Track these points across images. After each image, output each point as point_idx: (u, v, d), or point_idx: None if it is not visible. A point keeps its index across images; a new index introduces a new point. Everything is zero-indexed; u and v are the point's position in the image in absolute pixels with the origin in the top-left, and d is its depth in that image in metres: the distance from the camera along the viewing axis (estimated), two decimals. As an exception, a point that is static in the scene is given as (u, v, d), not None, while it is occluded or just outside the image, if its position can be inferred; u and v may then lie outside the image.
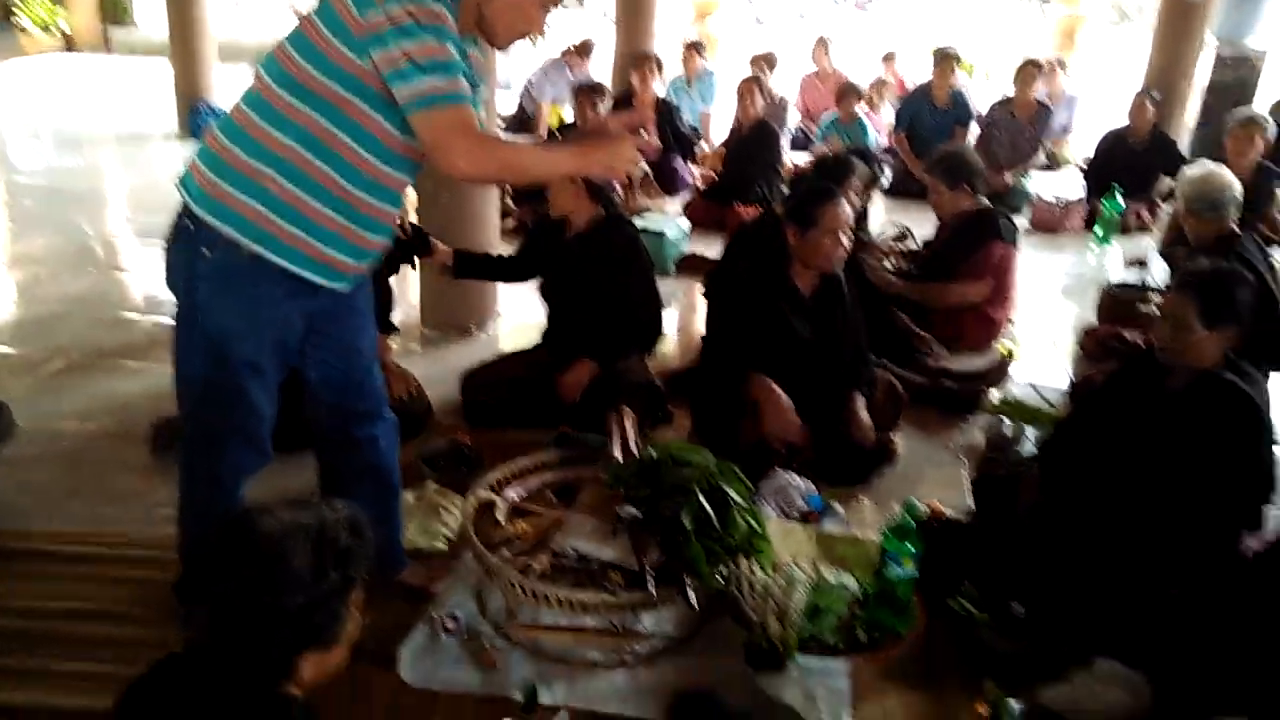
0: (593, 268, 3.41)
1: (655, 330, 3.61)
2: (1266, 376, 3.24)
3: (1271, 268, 3.78)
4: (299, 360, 2.17)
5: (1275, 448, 2.57)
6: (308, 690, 1.41)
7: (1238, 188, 3.70)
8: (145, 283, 4.87)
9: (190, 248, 1.95)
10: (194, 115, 7.95)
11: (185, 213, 1.96)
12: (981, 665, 2.30)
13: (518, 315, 4.29)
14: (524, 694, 2.04)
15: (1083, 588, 2.53)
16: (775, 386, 3.08)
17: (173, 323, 2.08)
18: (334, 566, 1.35)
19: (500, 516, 2.48)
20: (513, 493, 2.60)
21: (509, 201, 5.82)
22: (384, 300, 3.46)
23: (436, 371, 3.77)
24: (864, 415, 3.21)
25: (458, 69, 1.83)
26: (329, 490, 2.33)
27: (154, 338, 4.07)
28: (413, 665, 2.25)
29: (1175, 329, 2.49)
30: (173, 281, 2.03)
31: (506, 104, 7.77)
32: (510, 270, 3.71)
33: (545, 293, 3.60)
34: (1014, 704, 2.09)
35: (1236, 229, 3.69)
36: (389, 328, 3.50)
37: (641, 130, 2.13)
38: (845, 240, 3.14)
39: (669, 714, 1.11)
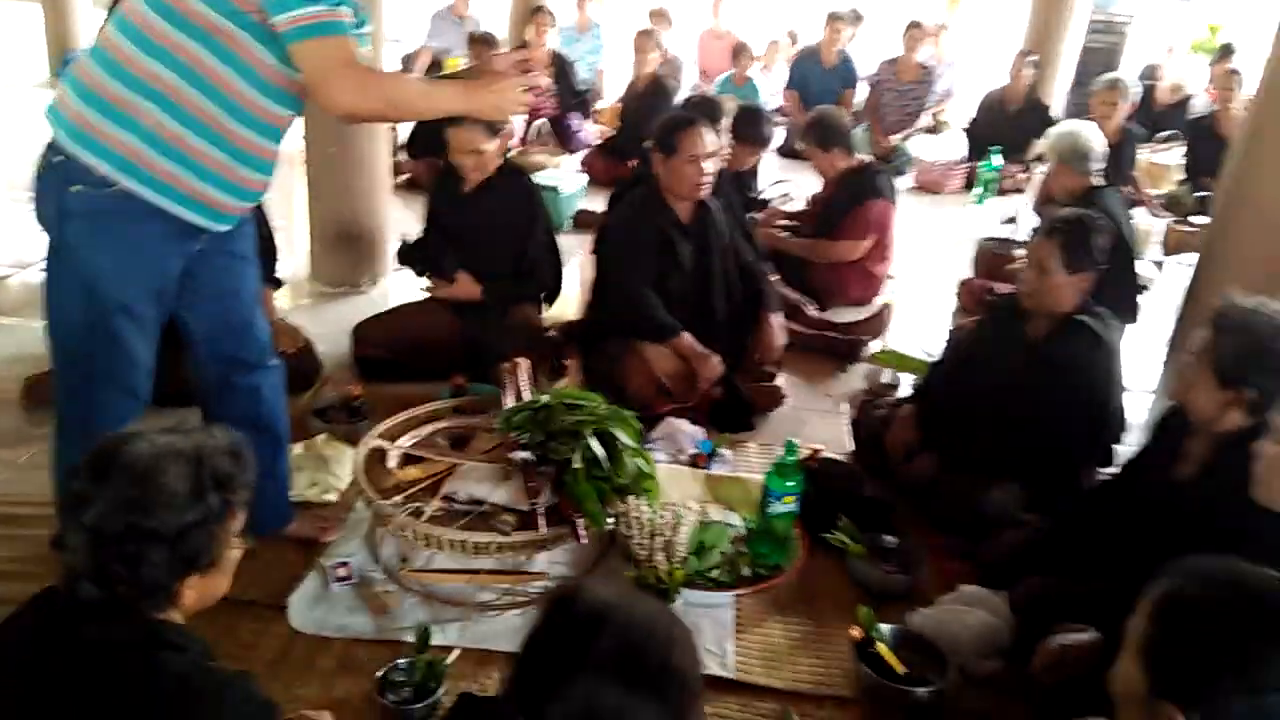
0: (492, 219, 3.41)
1: (556, 282, 3.64)
2: (1121, 328, 3.47)
3: (1130, 224, 4.02)
4: (177, 306, 2.11)
5: (1125, 392, 2.77)
6: (190, 617, 1.41)
7: (1102, 142, 3.92)
8: (14, 239, 4.63)
9: (59, 183, 1.87)
10: (66, 64, 7.52)
11: (53, 146, 1.89)
12: (856, 593, 2.44)
13: (407, 271, 4.24)
14: (417, 636, 2.07)
15: (950, 518, 2.70)
16: (694, 341, 3.16)
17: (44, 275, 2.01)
18: (213, 489, 1.34)
19: (392, 464, 2.49)
20: (405, 441, 2.60)
21: (401, 156, 5.73)
22: (268, 251, 3.37)
23: (328, 327, 3.72)
24: (778, 336, 3.32)
25: None
26: None
27: (24, 296, 3.90)
28: (303, 614, 2.25)
29: (1038, 273, 2.65)
30: (41, 214, 1.95)
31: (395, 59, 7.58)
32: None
33: (441, 245, 3.57)
34: (885, 628, 2.23)
35: (1099, 184, 3.92)
36: (274, 281, 3.43)
37: (534, 73, 2.11)
38: (708, 168, 3.20)
39: (544, 607, 1.16)
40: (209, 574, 1.40)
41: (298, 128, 4.20)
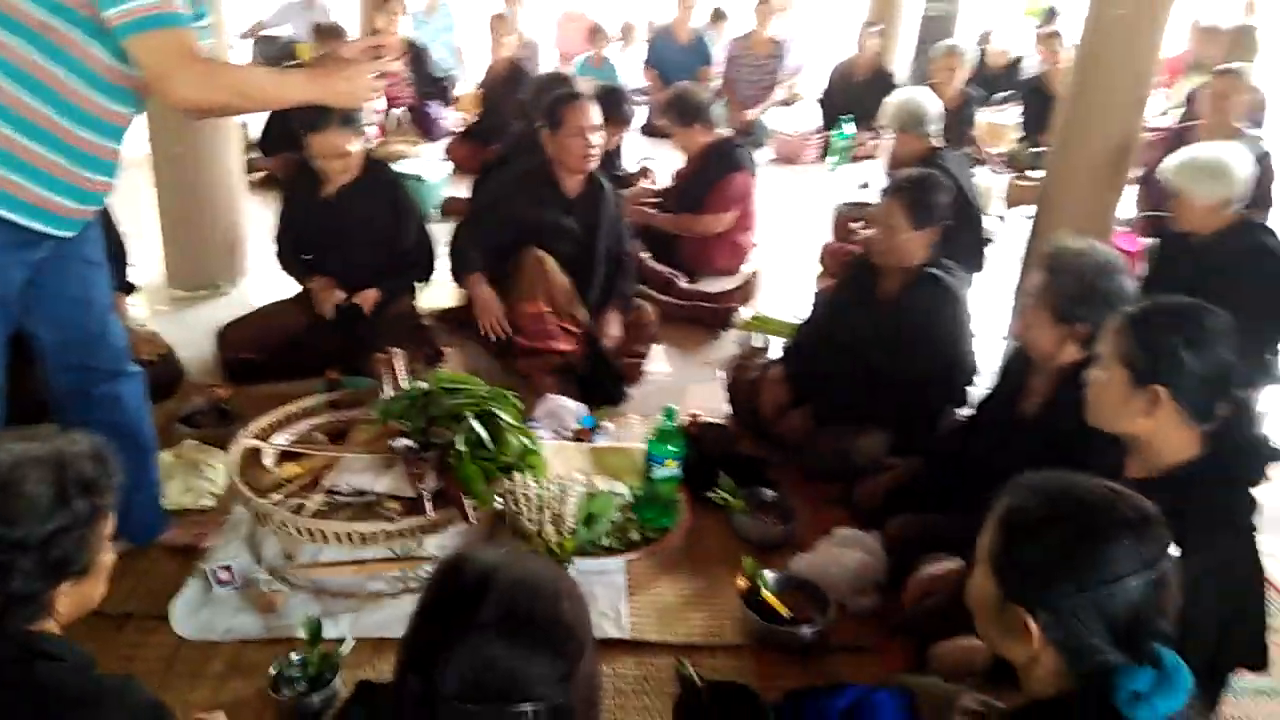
0: (360, 220, 3.34)
1: (429, 269, 3.61)
2: (968, 278, 3.69)
3: (971, 181, 4.26)
4: (23, 318, 2.02)
5: (974, 338, 2.95)
6: (66, 627, 1.38)
7: (936, 105, 4.15)
8: None
9: None
10: None
11: None
12: (741, 546, 2.54)
13: (267, 269, 4.12)
14: (308, 629, 2.05)
15: (822, 468, 2.83)
16: (483, 288, 3.28)
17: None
18: (78, 494, 1.30)
19: (268, 462, 2.44)
20: (280, 439, 2.56)
21: (255, 153, 5.54)
22: (119, 255, 3.23)
23: (189, 332, 3.60)
24: (615, 328, 3.43)
25: None
26: None
27: None
28: (186, 619, 2.20)
29: (886, 231, 2.79)
30: None
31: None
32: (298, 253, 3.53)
33: (303, 249, 3.48)
34: (769, 575, 2.33)
35: (939, 145, 4.14)
36: (127, 286, 3.29)
37: (386, 58, 2.08)
38: (594, 140, 3.27)
39: (431, 575, 1.18)
40: (82, 581, 1.37)
41: (141, 128, 4.08)
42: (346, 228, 3.36)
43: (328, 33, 5.66)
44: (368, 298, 3.34)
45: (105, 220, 3.18)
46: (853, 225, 4.46)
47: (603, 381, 3.33)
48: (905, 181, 2.85)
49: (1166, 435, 1.69)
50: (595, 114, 3.28)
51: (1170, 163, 3.12)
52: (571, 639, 1.10)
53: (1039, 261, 2.33)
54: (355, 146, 3.25)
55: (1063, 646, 1.18)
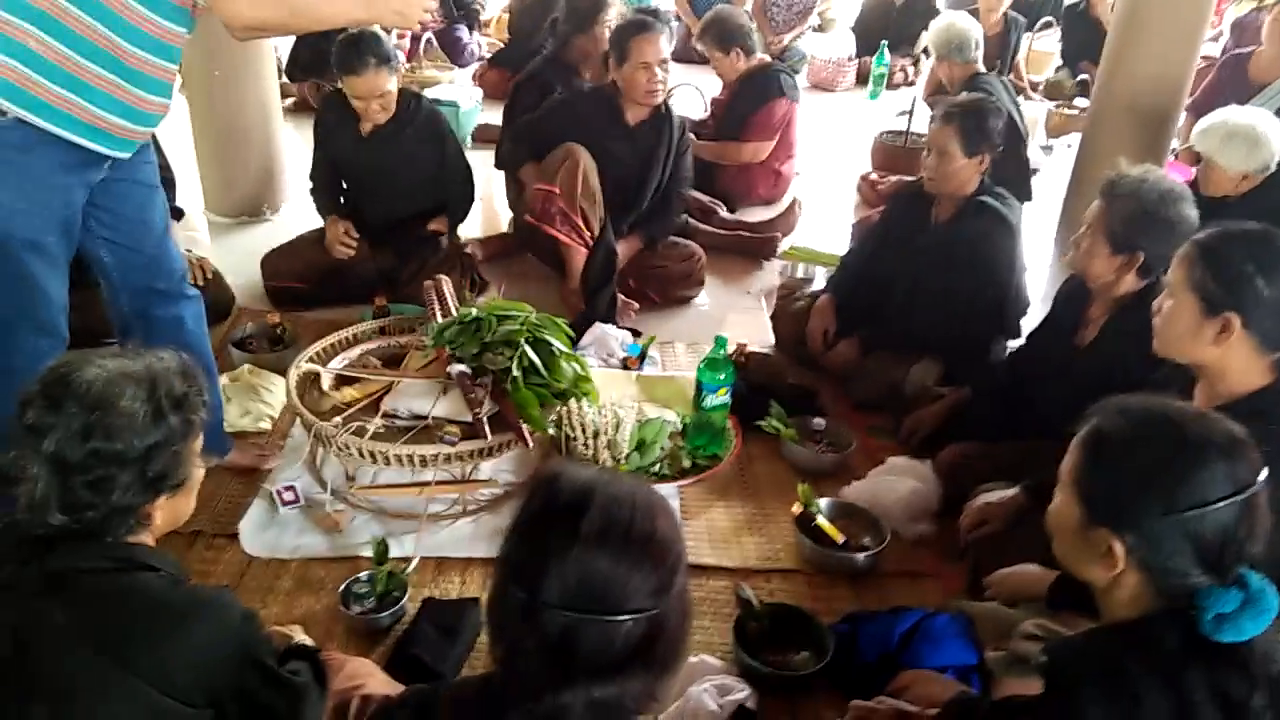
0: (402, 158, 3.30)
1: (469, 201, 3.59)
2: (1019, 207, 3.64)
3: (1017, 107, 4.19)
4: (85, 239, 2.05)
5: (1025, 269, 2.93)
6: (160, 538, 1.42)
7: (978, 29, 4.10)
8: None
9: None
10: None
11: None
12: (792, 474, 2.56)
13: (306, 196, 4.13)
14: (375, 548, 2.10)
15: (872, 397, 2.84)
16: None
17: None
18: (171, 409, 1.33)
19: (326, 386, 2.47)
20: (336, 364, 2.58)
21: (286, 79, 5.49)
22: (167, 181, 3.23)
23: (232, 257, 3.61)
24: (623, 254, 3.42)
25: None
26: None
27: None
28: (254, 538, 2.26)
29: (939, 157, 2.75)
30: None
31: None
32: (337, 190, 3.47)
33: (345, 183, 3.44)
34: (823, 502, 2.36)
35: (981, 70, 4.07)
36: (176, 211, 3.29)
37: None
38: (659, 75, 3.23)
39: (527, 492, 1.20)
40: (176, 495, 1.40)
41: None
42: (387, 166, 3.31)
43: None
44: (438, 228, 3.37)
45: (160, 151, 3.20)
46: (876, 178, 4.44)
47: (596, 296, 3.30)
48: (959, 107, 2.79)
49: (1237, 363, 1.68)
50: (664, 46, 3.23)
51: (1201, 127, 3.03)
52: (668, 553, 1.12)
53: (1098, 189, 2.29)
54: (393, 86, 3.16)
55: (1148, 569, 1.19)
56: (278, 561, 2.21)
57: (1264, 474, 1.18)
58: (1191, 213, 2.19)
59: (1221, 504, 1.15)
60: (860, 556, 2.22)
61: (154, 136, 3.21)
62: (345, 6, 1.98)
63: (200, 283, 3.14)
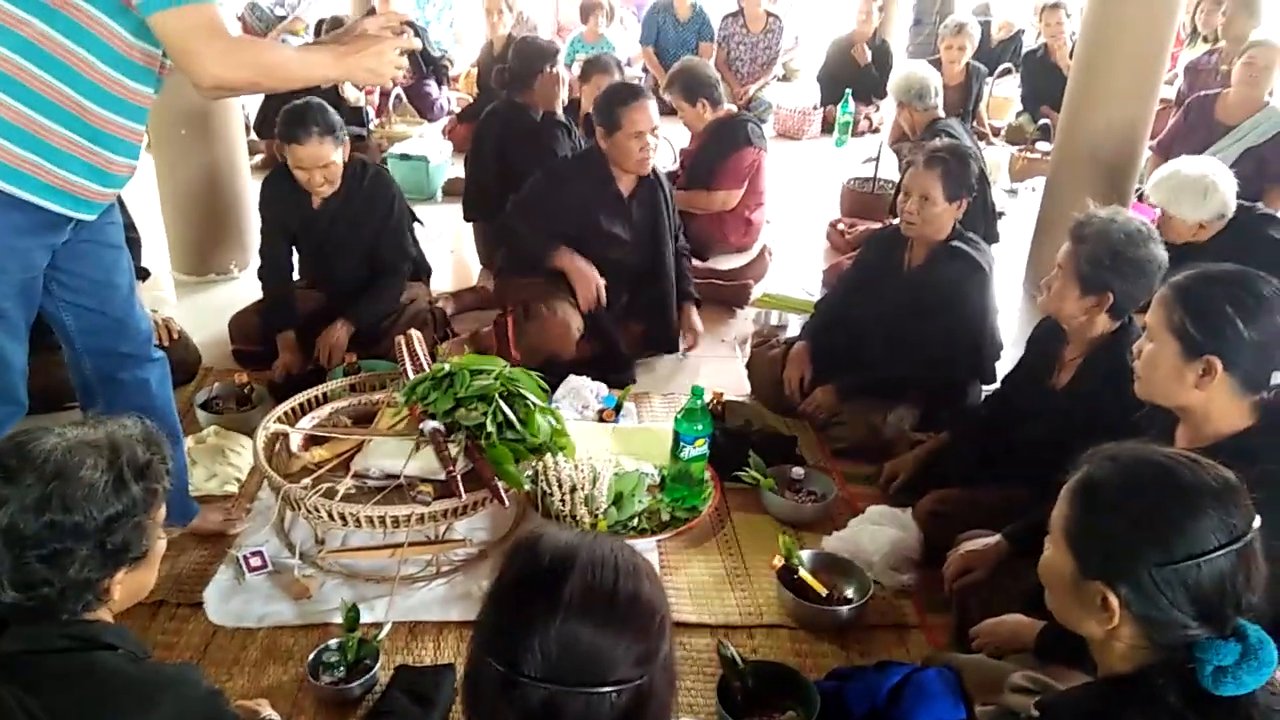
0: (349, 227, 3.20)
1: (422, 269, 3.54)
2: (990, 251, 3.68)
3: (979, 149, 4.27)
4: (50, 303, 2.00)
5: (998, 312, 2.94)
6: (118, 614, 1.36)
7: (936, 77, 4.22)
8: None
9: None
10: None
11: None
12: (772, 525, 2.53)
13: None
14: (345, 614, 2.02)
15: (850, 444, 2.82)
16: (577, 257, 3.23)
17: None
18: (134, 479, 1.28)
19: (295, 446, 2.41)
20: (305, 423, 2.53)
21: (254, 136, 5.48)
22: (132, 241, 3.18)
23: (200, 317, 3.55)
24: (699, 323, 3.52)
25: None
26: None
27: None
28: (220, 607, 2.18)
29: (921, 202, 2.76)
30: None
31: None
32: (287, 264, 3.32)
33: (290, 260, 3.32)
34: (804, 554, 2.32)
35: (940, 115, 4.17)
36: (142, 272, 3.24)
37: (406, 35, 2.04)
38: (652, 142, 3.20)
39: (505, 558, 1.16)
40: (137, 568, 1.34)
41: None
42: (340, 238, 3.21)
43: (332, 25, 5.49)
44: (335, 340, 3.11)
45: (125, 210, 3.15)
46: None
47: (611, 361, 3.29)
48: (942, 152, 2.81)
49: (1219, 405, 1.67)
50: (654, 113, 3.20)
51: (1154, 179, 3.07)
52: (654, 618, 1.08)
53: (1068, 231, 2.31)
54: (338, 157, 3.05)
55: (1144, 621, 1.16)
56: (244, 631, 2.12)
57: (1257, 521, 1.17)
58: (1160, 252, 2.20)
59: (1218, 553, 1.13)
60: (844, 610, 2.18)
61: (119, 196, 3.19)
62: (317, 66, 1.93)
63: (165, 343, 3.08)
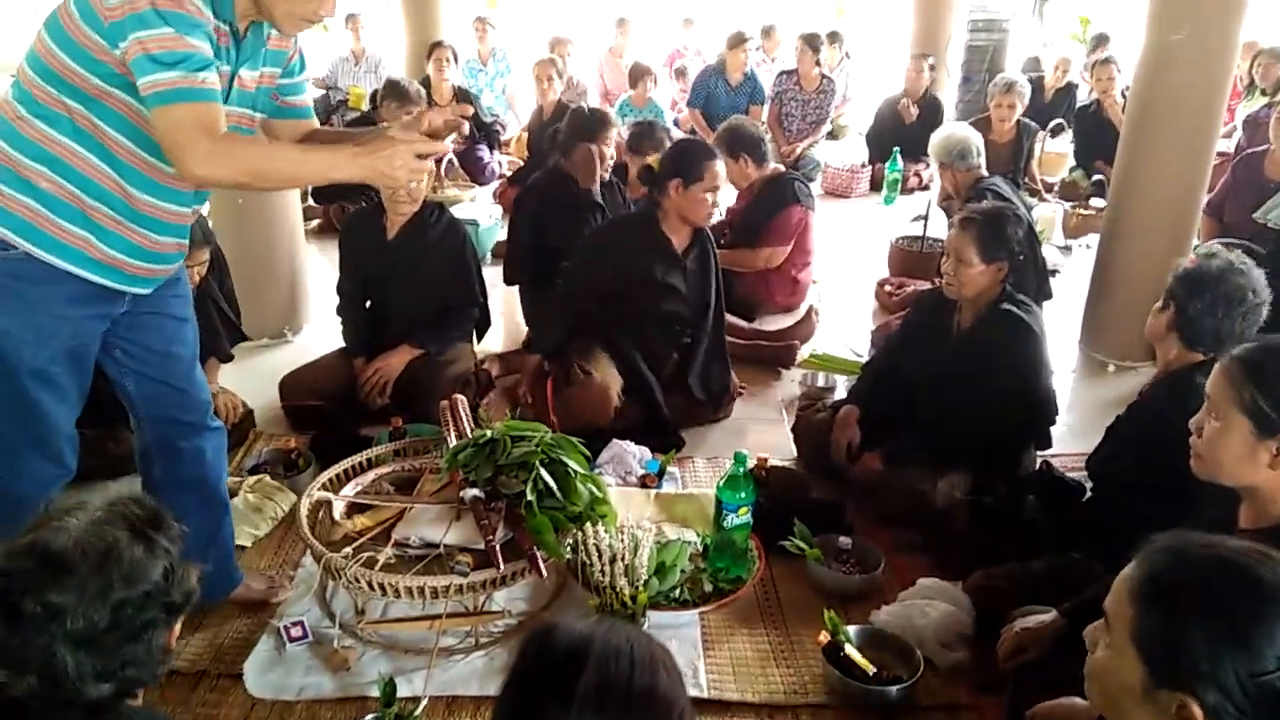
0: (422, 263, 3.37)
1: (486, 318, 3.62)
2: (1041, 311, 3.60)
3: (1023, 205, 4.22)
4: (114, 369, 2.06)
5: (1052, 374, 2.85)
6: (164, 682, 1.37)
7: (977, 137, 4.19)
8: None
9: None
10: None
11: None
12: (819, 597, 2.46)
13: (329, 317, 4.17)
14: (382, 690, 2.01)
15: (900, 512, 2.75)
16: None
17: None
18: (157, 534, 1.29)
19: (337, 514, 2.41)
20: (348, 490, 2.54)
21: (312, 201, 5.62)
22: (227, 324, 3.31)
23: (253, 380, 3.61)
24: (736, 379, 3.59)
25: (200, 62, 1.68)
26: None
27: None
28: (259, 678, 2.17)
29: (956, 263, 2.73)
30: None
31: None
32: (362, 300, 3.54)
33: (366, 293, 3.50)
34: (851, 629, 2.25)
35: (984, 174, 4.13)
36: (226, 356, 3.34)
37: (452, 134, 2.02)
38: (718, 200, 3.30)
39: (519, 650, 1.13)
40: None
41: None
42: (408, 270, 3.37)
43: (399, 95, 5.38)
44: (391, 362, 3.33)
45: (230, 295, 3.32)
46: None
47: (657, 428, 3.28)
48: (976, 214, 2.78)
49: None
50: (724, 172, 3.35)
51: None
52: (671, 712, 1.05)
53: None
54: (425, 179, 3.19)
55: None
56: (283, 704, 2.11)
57: None
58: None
59: None
60: (894, 690, 2.10)
61: (224, 280, 3.32)
62: (322, 167, 1.87)
63: (233, 420, 3.16)
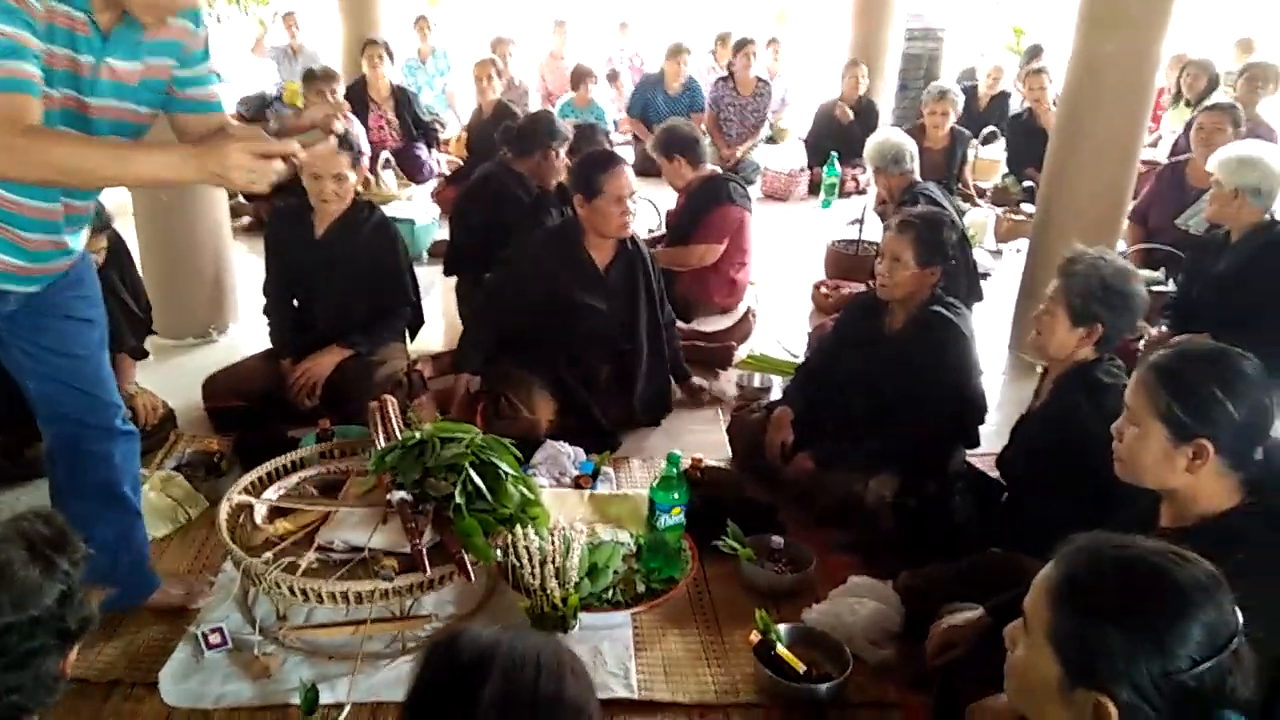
0: (350, 261, 3.29)
1: (419, 318, 3.56)
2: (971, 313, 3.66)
3: (958, 210, 4.30)
4: (16, 370, 2.00)
5: (981, 374, 2.89)
6: (75, 690, 1.31)
7: (910, 143, 4.25)
8: None
9: None
10: None
11: None
12: (751, 596, 2.46)
13: (256, 316, 4.08)
14: (303, 696, 1.95)
15: (832, 512, 2.76)
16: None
17: None
18: (58, 556, 1.24)
19: (259, 518, 2.35)
20: (271, 493, 2.47)
21: (240, 198, 5.49)
22: (137, 322, 3.21)
23: (176, 380, 3.52)
24: (700, 391, 3.63)
25: (8, 50, 1.56)
26: (62, 509, 2.11)
27: None
28: (176, 687, 2.10)
29: (892, 264, 2.75)
30: None
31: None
32: (288, 299, 3.44)
33: (293, 292, 3.42)
34: (782, 627, 2.25)
35: (916, 179, 4.19)
36: (139, 352, 3.24)
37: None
38: (631, 207, 3.20)
39: (421, 660, 1.10)
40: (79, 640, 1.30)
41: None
42: (337, 268, 3.29)
43: (320, 78, 5.54)
44: (321, 363, 3.24)
45: (135, 287, 3.18)
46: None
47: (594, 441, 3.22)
48: (916, 218, 2.81)
49: (1208, 486, 1.62)
50: (632, 178, 3.22)
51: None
52: (579, 717, 1.03)
53: (1056, 269, 2.41)
54: (351, 175, 3.19)
55: None
56: (200, 712, 2.05)
57: (1240, 615, 1.11)
58: (1143, 291, 2.35)
59: (1223, 654, 1.07)
60: (823, 688, 2.10)
61: (134, 278, 3.20)
62: (144, 166, 1.66)
63: (154, 422, 3.06)
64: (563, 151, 4.00)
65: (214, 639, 2.19)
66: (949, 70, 8.52)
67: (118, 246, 3.18)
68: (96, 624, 1.31)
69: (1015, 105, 7.33)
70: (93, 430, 2.11)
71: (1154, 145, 6.61)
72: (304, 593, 2.10)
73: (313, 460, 2.65)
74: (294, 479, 2.55)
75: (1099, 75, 3.78)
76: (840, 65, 7.38)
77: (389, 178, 5.79)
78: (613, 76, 8.93)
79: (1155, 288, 4.15)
